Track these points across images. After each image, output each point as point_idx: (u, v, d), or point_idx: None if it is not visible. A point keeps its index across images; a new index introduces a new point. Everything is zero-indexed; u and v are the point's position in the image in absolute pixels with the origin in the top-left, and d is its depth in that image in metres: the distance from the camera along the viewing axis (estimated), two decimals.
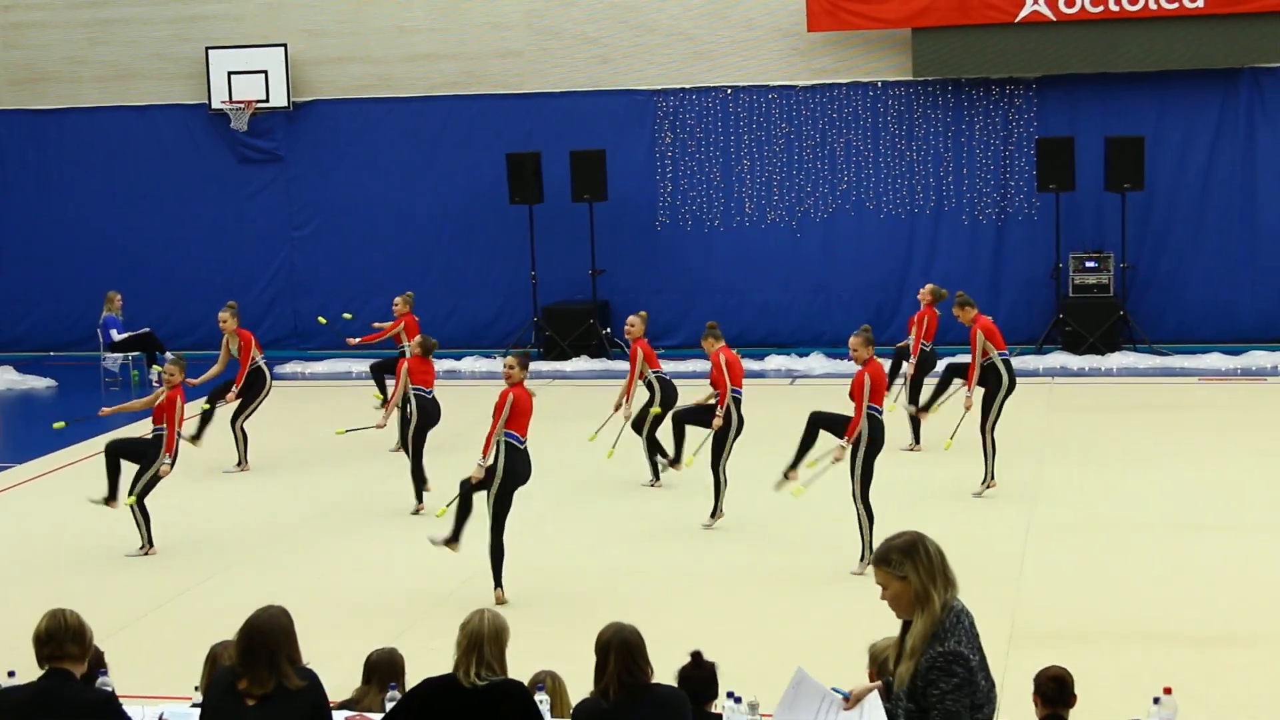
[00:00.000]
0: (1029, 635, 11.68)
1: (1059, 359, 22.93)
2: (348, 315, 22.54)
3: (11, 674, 7.81)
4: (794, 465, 13.97)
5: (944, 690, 5.95)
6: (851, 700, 6.46)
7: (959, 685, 5.96)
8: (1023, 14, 23.28)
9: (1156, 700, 7.87)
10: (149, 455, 14.43)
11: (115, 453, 14.83)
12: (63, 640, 6.90)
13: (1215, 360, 22.52)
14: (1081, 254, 23.64)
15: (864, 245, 24.60)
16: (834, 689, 6.56)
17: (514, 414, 13.04)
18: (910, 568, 6.08)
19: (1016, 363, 22.30)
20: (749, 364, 23.15)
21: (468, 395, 21.85)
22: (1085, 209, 23.80)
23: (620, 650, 7.08)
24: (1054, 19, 23.23)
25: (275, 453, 18.69)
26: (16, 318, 26.58)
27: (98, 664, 7.99)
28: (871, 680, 6.95)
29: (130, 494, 14.31)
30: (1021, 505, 15.34)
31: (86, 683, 7.12)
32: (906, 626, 6.13)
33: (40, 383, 24.05)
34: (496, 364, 24.20)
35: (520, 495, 14.21)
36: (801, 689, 6.59)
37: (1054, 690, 8.07)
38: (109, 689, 7.57)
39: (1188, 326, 23.83)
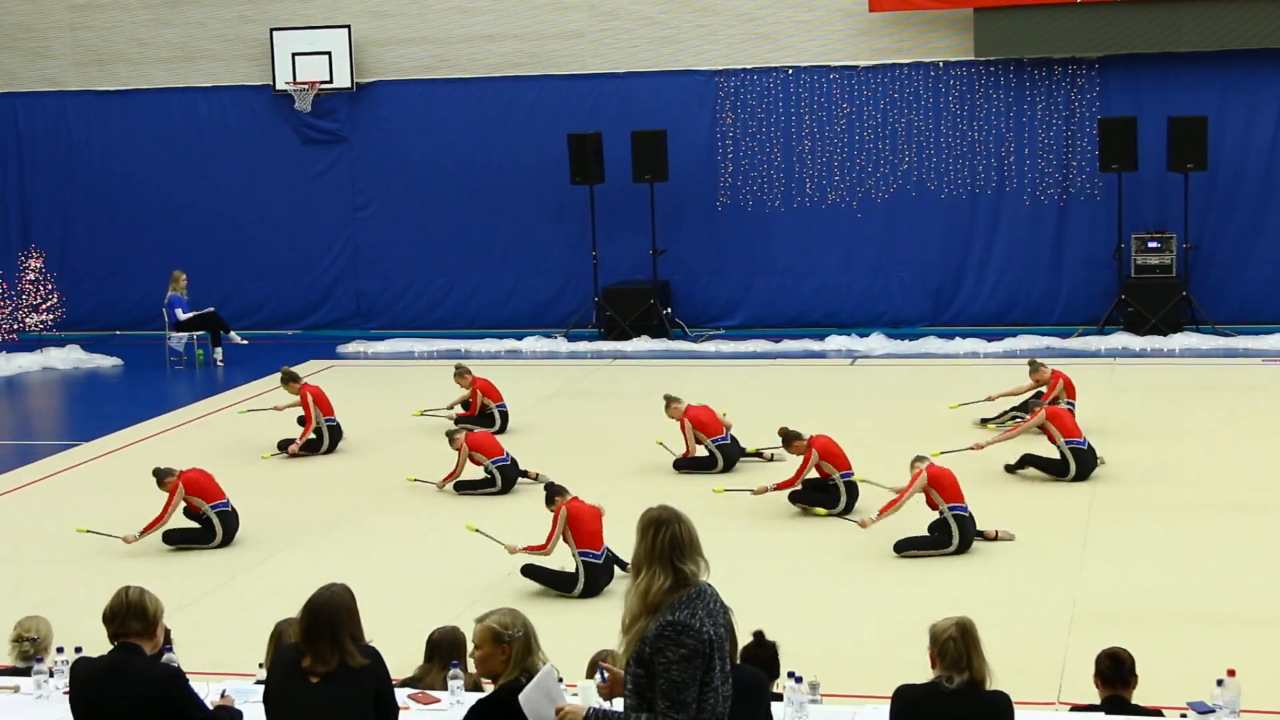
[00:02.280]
0: (1091, 616, 11.71)
1: (1121, 339, 22.84)
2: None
3: (79, 650, 7.96)
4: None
5: (670, 659, 6.07)
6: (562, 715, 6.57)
7: (686, 656, 6.08)
8: None
9: (1220, 682, 7.83)
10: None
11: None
12: (125, 617, 7.07)
13: (1277, 341, 22.38)
14: (1144, 234, 23.53)
15: (925, 226, 24.56)
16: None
17: (576, 529, 12.74)
18: (643, 541, 6.25)
19: (1078, 344, 22.53)
20: (809, 344, 23.40)
21: (528, 374, 22.06)
22: (1148, 189, 23.66)
23: None
24: None
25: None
26: (83, 297, 26.75)
27: (164, 640, 7.99)
28: (932, 663, 7.10)
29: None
30: (1083, 485, 15.35)
31: (158, 659, 7.24)
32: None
33: (106, 361, 24.32)
34: (558, 343, 24.41)
35: (584, 474, 14.40)
36: (547, 680, 6.70)
37: (1112, 669, 8.12)
38: (175, 665, 7.68)
39: (1250, 307, 23.68)
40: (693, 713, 6.11)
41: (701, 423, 16.27)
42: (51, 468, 17.63)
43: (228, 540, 14.15)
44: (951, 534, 13.30)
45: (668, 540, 6.24)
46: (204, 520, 14.14)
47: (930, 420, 17.86)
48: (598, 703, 7.92)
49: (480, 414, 18.29)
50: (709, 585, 6.38)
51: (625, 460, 16.79)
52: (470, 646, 7.07)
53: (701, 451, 16.25)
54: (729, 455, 16.25)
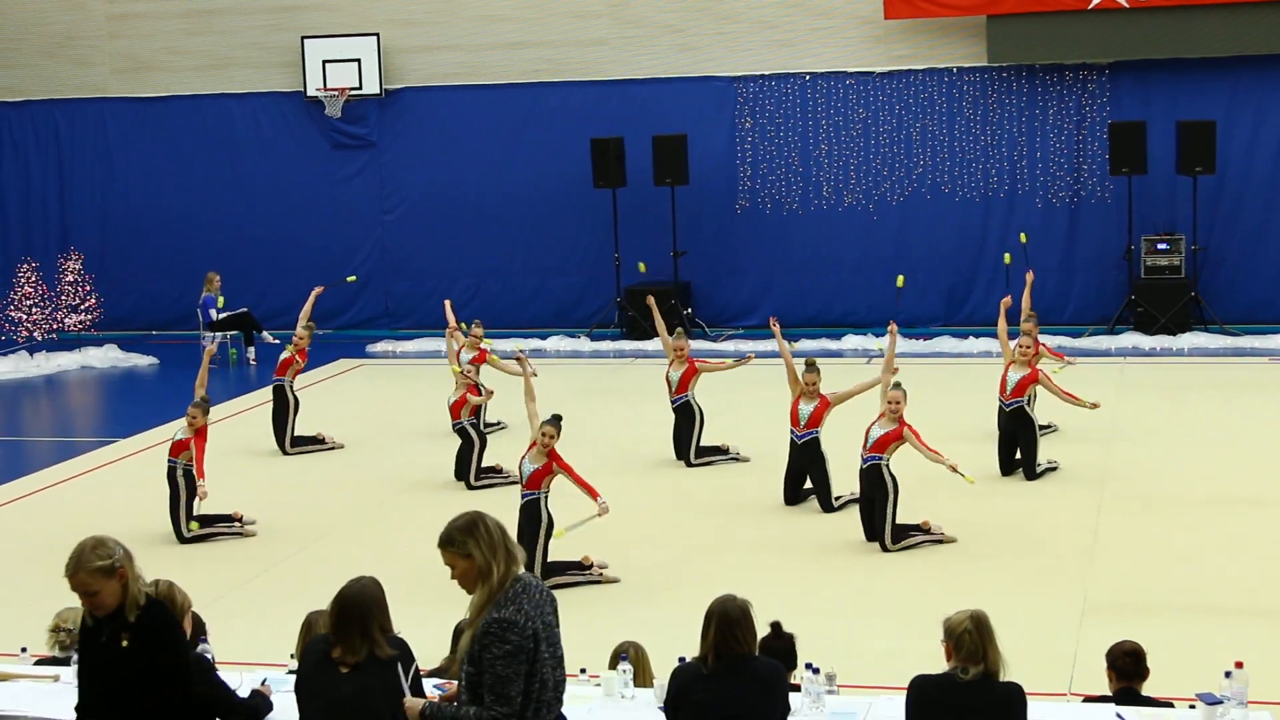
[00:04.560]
0: (1101, 609, 11.84)
1: (1131, 339, 23.17)
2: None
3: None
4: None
5: (495, 655, 6.23)
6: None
7: (511, 652, 6.23)
8: (1096, 0, 23.54)
9: (1228, 674, 7.87)
10: (186, 491, 14.58)
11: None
12: None
13: None
14: (1153, 236, 23.79)
15: (939, 228, 24.88)
16: None
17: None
18: (474, 545, 6.37)
19: (1089, 343, 22.85)
20: (826, 343, 23.76)
21: (552, 372, 22.35)
22: (1157, 192, 23.95)
23: (720, 621, 7.08)
24: (1127, 5, 23.41)
25: (367, 428, 19.18)
26: (120, 297, 27.13)
27: (199, 630, 8.19)
28: (947, 655, 7.12)
29: (187, 527, 14.59)
30: (1093, 482, 15.55)
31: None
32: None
33: (143, 360, 24.67)
34: (581, 343, 24.84)
35: (600, 471, 14.73)
36: None
37: (1129, 665, 8.21)
38: (209, 655, 7.91)
39: (1258, 307, 23.96)
40: (517, 706, 6.25)
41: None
42: (90, 463, 17.95)
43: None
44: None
45: (497, 532, 6.44)
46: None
47: (942, 419, 17.80)
48: (620, 693, 8.26)
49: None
50: (531, 576, 6.50)
51: (643, 456, 17.10)
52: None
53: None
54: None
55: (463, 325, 18.71)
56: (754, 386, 19.87)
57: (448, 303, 19.78)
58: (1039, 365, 16.26)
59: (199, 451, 14.43)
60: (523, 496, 12.99)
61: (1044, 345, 17.79)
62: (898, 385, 14.03)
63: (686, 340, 17.22)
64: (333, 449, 18.31)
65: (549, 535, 12.89)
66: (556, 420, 13.11)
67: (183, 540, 14.52)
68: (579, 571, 13.00)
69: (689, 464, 16.87)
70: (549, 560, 12.94)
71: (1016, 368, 15.95)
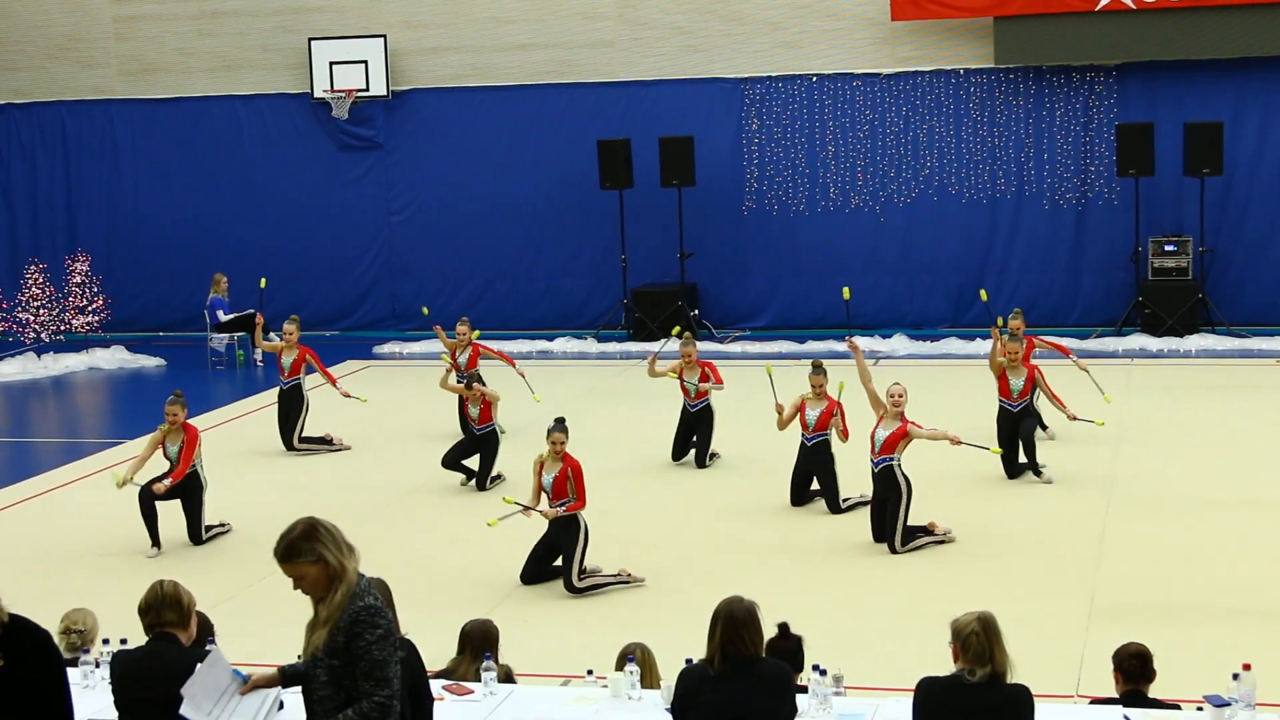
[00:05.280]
0: (1108, 611, 11.86)
1: (1138, 340, 23.18)
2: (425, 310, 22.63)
3: (124, 641, 8.29)
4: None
5: (370, 640, 6.27)
6: (249, 685, 6.71)
7: (383, 636, 6.30)
8: (1103, 2, 23.48)
9: (1235, 676, 7.88)
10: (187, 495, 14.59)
11: (149, 499, 14.49)
12: (160, 608, 7.23)
13: None
14: (1160, 238, 23.81)
15: (946, 229, 24.90)
16: (235, 671, 6.77)
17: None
18: (322, 548, 6.36)
19: (1096, 345, 22.88)
20: (833, 345, 23.72)
21: (559, 374, 22.46)
22: (1164, 193, 23.98)
23: (726, 623, 7.08)
24: (1134, 7, 23.42)
25: (373, 430, 19.18)
26: (128, 299, 27.20)
27: (207, 631, 8.24)
28: (955, 656, 7.12)
29: (200, 539, 14.61)
30: (1100, 484, 15.57)
31: (194, 648, 7.36)
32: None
33: (150, 361, 24.74)
34: (588, 344, 24.86)
35: (607, 472, 14.76)
36: (213, 668, 6.74)
37: (1136, 667, 8.20)
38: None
39: (1265, 309, 23.97)
40: (396, 688, 6.33)
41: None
42: (97, 464, 17.94)
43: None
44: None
45: (335, 531, 6.45)
46: (193, 475, 14.52)
47: (949, 419, 17.93)
48: (627, 694, 8.27)
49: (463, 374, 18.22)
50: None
51: (649, 457, 17.11)
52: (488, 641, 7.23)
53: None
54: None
55: (457, 364, 18.52)
56: (763, 390, 19.88)
57: (439, 330, 19.74)
58: (1035, 361, 16.40)
59: (189, 447, 14.44)
60: (552, 506, 12.88)
61: (1047, 341, 17.85)
62: (897, 382, 14.06)
63: (694, 345, 17.21)
64: (339, 450, 18.30)
65: (586, 543, 12.82)
66: (562, 424, 13.06)
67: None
68: (612, 577, 12.97)
69: (701, 465, 16.90)
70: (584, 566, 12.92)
71: (1013, 372, 15.92)
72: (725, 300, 25.66)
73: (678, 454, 17.05)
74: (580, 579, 12.72)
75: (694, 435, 16.96)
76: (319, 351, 19.04)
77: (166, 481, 14.40)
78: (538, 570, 13.02)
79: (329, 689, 6.36)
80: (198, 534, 14.60)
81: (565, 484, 12.78)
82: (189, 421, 14.75)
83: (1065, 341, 19.43)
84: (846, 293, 19.58)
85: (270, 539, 6.60)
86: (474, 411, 16.38)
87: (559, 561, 12.92)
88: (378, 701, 6.28)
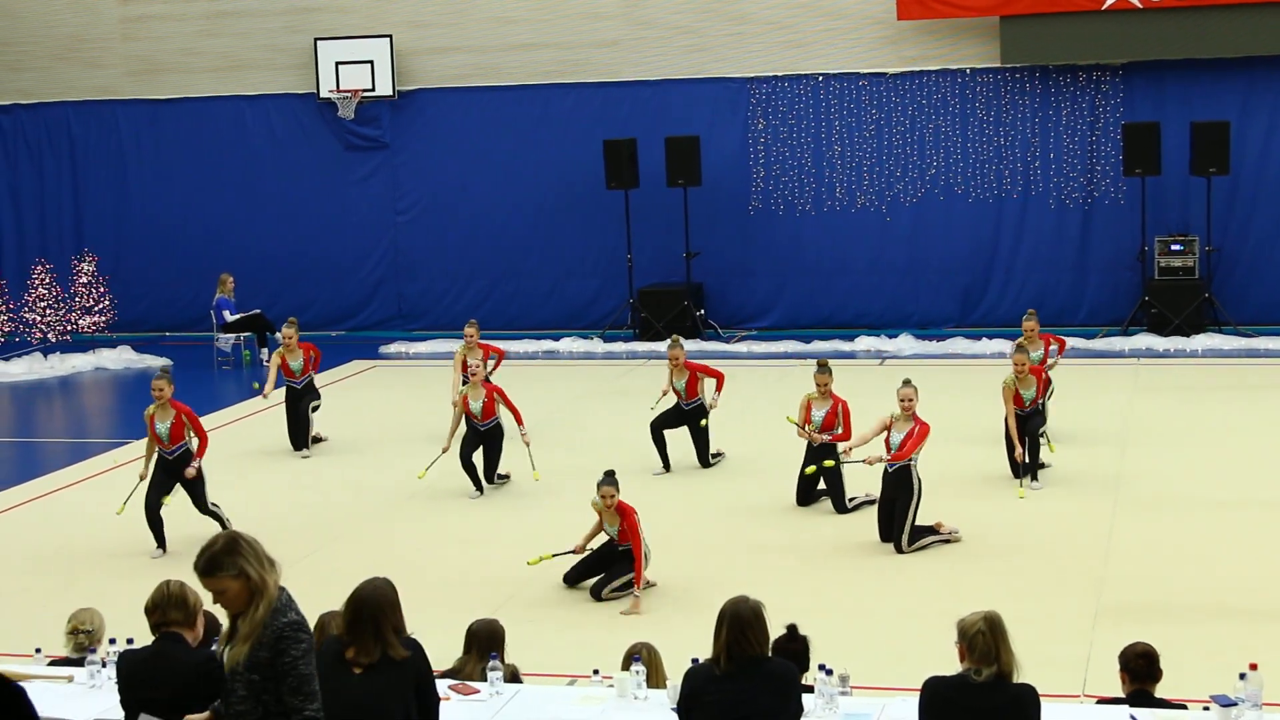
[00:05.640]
0: (1115, 611, 11.87)
1: (1144, 340, 23.14)
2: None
3: (130, 641, 8.35)
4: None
5: (296, 655, 6.30)
6: None
7: (307, 650, 6.33)
8: (1109, 1, 23.44)
9: (1242, 676, 7.90)
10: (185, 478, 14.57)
11: (155, 509, 14.51)
12: (166, 608, 7.26)
13: None
14: (1167, 237, 23.78)
15: (952, 229, 24.86)
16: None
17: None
18: (244, 563, 6.34)
19: (1102, 344, 22.87)
20: (839, 344, 23.78)
21: (565, 374, 22.48)
22: (1171, 193, 23.94)
23: (732, 622, 7.10)
24: (1140, 6, 23.36)
25: (379, 430, 19.22)
26: (135, 299, 27.19)
27: (214, 631, 8.08)
28: (961, 656, 7.13)
29: (205, 510, 14.65)
30: (1107, 483, 15.56)
31: (200, 648, 7.42)
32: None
33: (157, 362, 24.51)
34: (594, 344, 24.85)
35: (616, 471, 14.73)
36: None
37: (1143, 667, 8.21)
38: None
39: (1271, 308, 23.92)
40: (319, 702, 6.35)
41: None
42: (104, 464, 17.98)
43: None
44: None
45: (257, 545, 6.45)
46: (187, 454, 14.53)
47: (956, 419, 18.03)
48: (633, 694, 8.31)
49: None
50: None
51: (654, 458, 16.99)
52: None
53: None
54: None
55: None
56: (767, 389, 19.88)
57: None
58: (1048, 367, 16.38)
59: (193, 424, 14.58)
60: (617, 549, 12.78)
61: (1053, 338, 17.89)
62: (908, 382, 14.08)
63: (681, 348, 17.06)
64: (320, 441, 18.48)
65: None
66: (612, 477, 12.80)
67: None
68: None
69: (705, 465, 16.92)
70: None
71: (1024, 385, 15.89)
72: (731, 300, 25.64)
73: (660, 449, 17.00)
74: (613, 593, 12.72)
75: (692, 435, 16.98)
76: (325, 352, 19.07)
77: (195, 464, 14.46)
78: (580, 577, 12.96)
79: (247, 704, 6.38)
80: (203, 504, 14.60)
81: (625, 536, 12.70)
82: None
83: (1068, 341, 19.41)
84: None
85: (275, 539, 6.65)
86: (476, 407, 16.32)
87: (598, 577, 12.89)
88: (308, 716, 6.35)
